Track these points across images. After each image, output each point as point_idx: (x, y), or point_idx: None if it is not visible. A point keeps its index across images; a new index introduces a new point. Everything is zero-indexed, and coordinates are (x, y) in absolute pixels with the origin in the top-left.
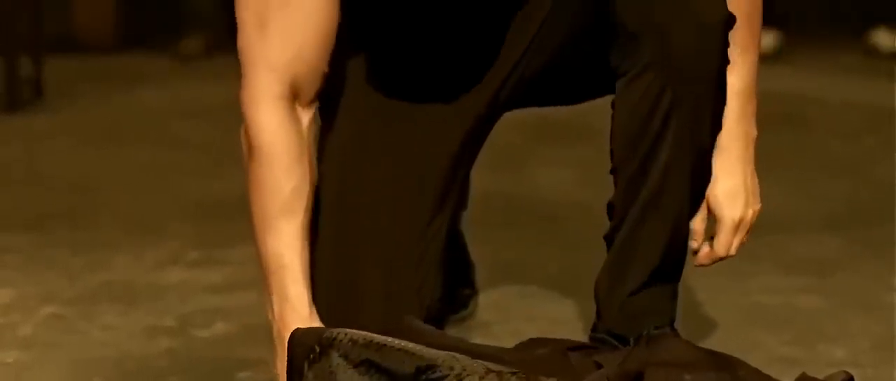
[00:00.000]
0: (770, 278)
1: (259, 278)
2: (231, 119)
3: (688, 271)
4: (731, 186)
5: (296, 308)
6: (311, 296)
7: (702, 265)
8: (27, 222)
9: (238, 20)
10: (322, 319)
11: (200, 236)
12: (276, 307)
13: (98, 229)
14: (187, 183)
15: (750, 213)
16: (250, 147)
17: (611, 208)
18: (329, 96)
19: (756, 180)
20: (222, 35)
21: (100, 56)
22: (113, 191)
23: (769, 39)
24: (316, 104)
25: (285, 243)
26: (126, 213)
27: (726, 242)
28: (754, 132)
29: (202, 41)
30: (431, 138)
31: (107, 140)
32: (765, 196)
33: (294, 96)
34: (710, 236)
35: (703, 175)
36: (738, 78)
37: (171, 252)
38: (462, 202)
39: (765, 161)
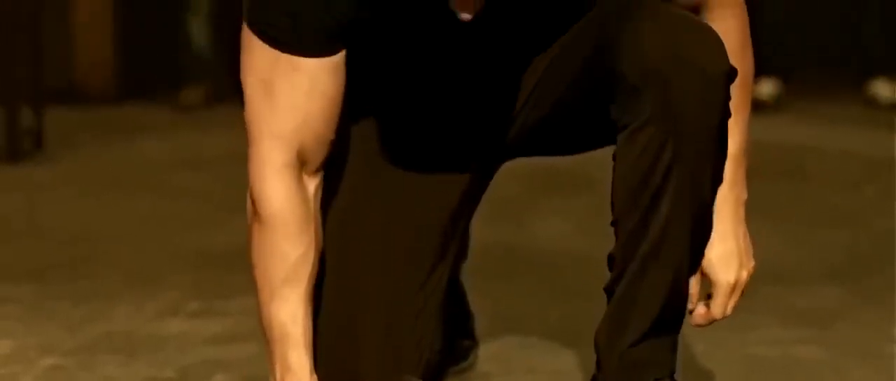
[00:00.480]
0: (770, 330)
1: (259, 329)
2: (231, 170)
3: (687, 321)
4: (724, 251)
5: (297, 376)
6: (312, 364)
7: (698, 326)
8: (27, 273)
9: (244, 87)
10: (321, 376)
11: (200, 287)
12: (278, 374)
13: (98, 279)
14: (187, 233)
15: (744, 274)
16: (257, 214)
17: (611, 259)
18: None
19: (748, 240)
20: (222, 86)
21: (100, 107)
22: (113, 241)
23: (769, 89)
24: (322, 171)
25: (289, 312)
26: (126, 263)
27: (722, 304)
28: (745, 195)
29: (202, 92)
30: (431, 190)
31: (107, 191)
32: (764, 247)
33: (301, 164)
34: (706, 295)
35: (703, 228)
36: (730, 142)
37: (171, 303)
38: (462, 253)
39: (764, 211)
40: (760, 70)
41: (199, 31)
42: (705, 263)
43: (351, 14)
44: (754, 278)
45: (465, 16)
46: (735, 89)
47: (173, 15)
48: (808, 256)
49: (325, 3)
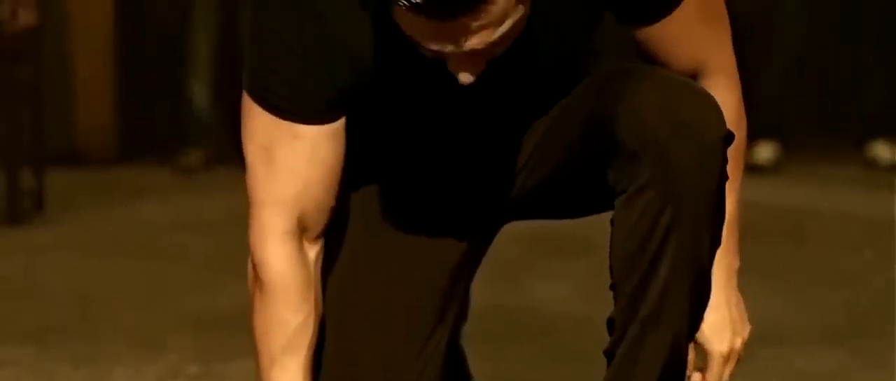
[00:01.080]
0: None
1: None
2: (231, 232)
3: None
4: (717, 320)
5: None
6: None
7: None
8: (27, 335)
9: (245, 153)
10: None
11: (200, 350)
12: None
13: (98, 342)
14: (188, 296)
15: (738, 342)
16: (257, 281)
17: (611, 323)
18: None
19: (742, 306)
20: (223, 148)
21: (101, 169)
22: (113, 304)
23: (768, 152)
24: (323, 238)
25: (288, 380)
26: (126, 326)
27: (717, 374)
28: (737, 262)
29: (203, 154)
30: (431, 252)
31: (107, 253)
32: (763, 308)
33: (301, 231)
34: (701, 365)
35: (702, 292)
36: None
37: (170, 366)
38: (462, 316)
39: (763, 273)
40: (759, 134)
41: (199, 93)
42: (697, 333)
43: (351, 80)
44: (753, 340)
45: (465, 79)
46: (729, 157)
47: (174, 77)
48: (807, 317)
49: (325, 70)
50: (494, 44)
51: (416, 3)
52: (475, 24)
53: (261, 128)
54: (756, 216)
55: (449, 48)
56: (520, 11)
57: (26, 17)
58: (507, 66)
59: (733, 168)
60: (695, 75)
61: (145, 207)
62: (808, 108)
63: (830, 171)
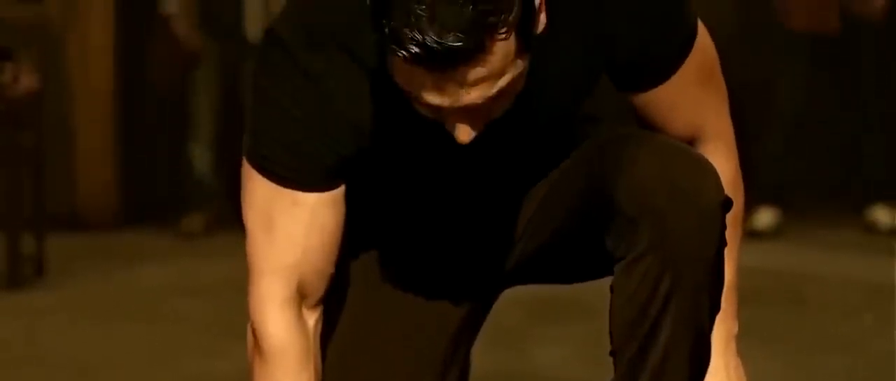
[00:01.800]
0: None
1: None
2: (231, 297)
3: None
4: None
5: None
6: None
7: None
8: None
9: (244, 220)
10: None
11: None
12: None
13: None
14: (188, 361)
15: None
16: (257, 348)
17: None
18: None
19: (741, 371)
20: (223, 213)
21: (101, 233)
22: (114, 369)
23: (768, 217)
24: (322, 305)
25: None
26: None
27: None
28: (736, 328)
29: (203, 219)
30: (431, 317)
31: (108, 318)
32: (763, 372)
33: (301, 298)
34: None
35: (702, 357)
36: None
37: None
38: None
39: (763, 338)
40: (759, 199)
41: (200, 158)
42: None
43: (351, 147)
44: None
45: (463, 137)
46: (727, 223)
47: (175, 142)
48: None
49: (325, 137)
50: (492, 99)
51: (416, 52)
52: (473, 76)
53: (260, 195)
54: (756, 281)
55: (447, 101)
56: (518, 67)
57: (28, 82)
58: (506, 130)
59: (731, 234)
60: (692, 141)
61: (146, 271)
62: (808, 173)
63: (830, 236)
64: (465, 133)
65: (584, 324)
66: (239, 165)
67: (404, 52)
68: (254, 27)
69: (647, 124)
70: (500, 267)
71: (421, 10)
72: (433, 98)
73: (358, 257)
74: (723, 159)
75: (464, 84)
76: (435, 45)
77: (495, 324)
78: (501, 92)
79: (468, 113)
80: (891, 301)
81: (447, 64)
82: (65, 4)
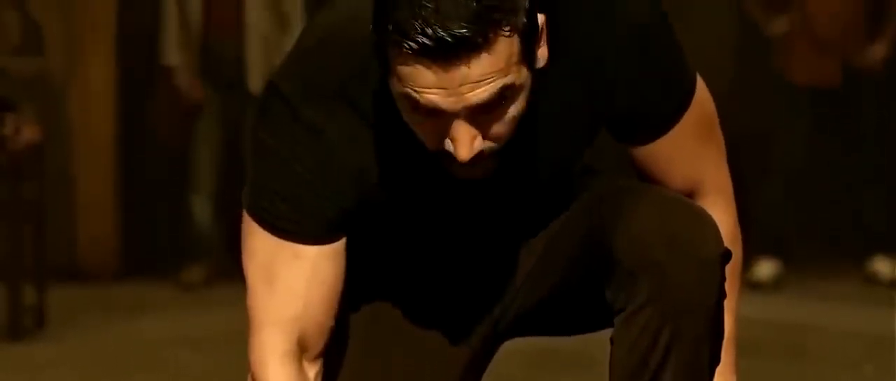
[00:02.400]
0: None
1: None
2: (232, 349)
3: None
4: None
5: None
6: None
7: None
8: None
9: (245, 273)
10: None
11: None
12: None
13: None
14: None
15: None
16: None
17: None
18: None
19: None
20: (224, 264)
21: (102, 285)
22: None
23: (768, 269)
24: (323, 358)
25: None
26: None
27: None
28: (735, 380)
29: (204, 270)
30: (431, 369)
31: (109, 370)
32: None
33: (301, 351)
34: None
35: None
36: None
37: None
38: None
39: None
40: (759, 250)
41: (201, 209)
42: None
43: (353, 198)
44: None
45: (463, 153)
46: (726, 275)
47: (176, 193)
48: None
49: (326, 190)
50: (495, 103)
51: (422, 42)
52: (477, 70)
53: (261, 247)
54: (757, 333)
55: (450, 100)
56: (522, 77)
57: (30, 134)
58: (506, 180)
59: (730, 287)
60: (691, 194)
61: (146, 323)
62: (808, 224)
63: (831, 287)
64: (465, 147)
65: (585, 376)
66: (239, 217)
67: (410, 43)
68: (255, 79)
69: (646, 177)
70: (500, 319)
71: (427, 3)
72: (436, 97)
73: (359, 309)
74: (722, 212)
75: (467, 80)
76: (440, 34)
77: (496, 374)
78: (503, 97)
79: (470, 118)
80: (891, 353)
81: (451, 53)
82: (66, 56)
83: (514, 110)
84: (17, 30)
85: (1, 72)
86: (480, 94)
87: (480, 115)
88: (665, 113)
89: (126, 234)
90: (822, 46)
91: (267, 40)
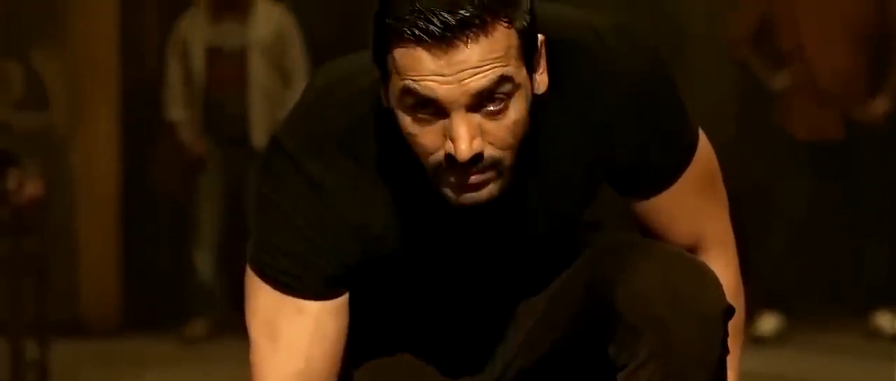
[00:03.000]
0: None
1: None
2: None
3: None
4: None
5: None
6: None
7: None
8: None
9: (248, 328)
10: None
11: None
12: None
13: None
14: None
15: None
16: None
17: None
18: None
19: None
20: (227, 319)
21: (105, 339)
22: None
23: (771, 323)
24: None
25: None
26: None
27: None
28: None
29: (207, 324)
30: None
31: None
32: None
33: None
34: None
35: None
36: None
37: None
38: None
39: None
40: (762, 305)
41: (203, 264)
42: None
43: (355, 255)
44: None
45: (463, 153)
46: (729, 331)
47: (178, 248)
48: None
49: (329, 246)
50: (493, 89)
51: (422, 27)
52: (476, 55)
53: (264, 302)
54: None
55: (449, 86)
56: (522, 76)
57: (33, 189)
58: (507, 236)
59: (733, 342)
60: (693, 248)
61: (149, 378)
62: (810, 279)
63: (833, 341)
64: (465, 141)
65: None
66: (242, 272)
67: (411, 29)
68: (259, 134)
69: (647, 231)
70: (501, 376)
71: None
72: (435, 84)
73: (361, 365)
74: (724, 267)
75: (466, 65)
76: (441, 17)
77: None
78: (502, 90)
79: (470, 111)
80: None
81: (450, 35)
82: (69, 111)
83: (514, 113)
84: (20, 83)
85: (4, 126)
86: (479, 79)
87: (480, 109)
88: (667, 168)
89: (128, 288)
90: (823, 100)
91: (270, 96)
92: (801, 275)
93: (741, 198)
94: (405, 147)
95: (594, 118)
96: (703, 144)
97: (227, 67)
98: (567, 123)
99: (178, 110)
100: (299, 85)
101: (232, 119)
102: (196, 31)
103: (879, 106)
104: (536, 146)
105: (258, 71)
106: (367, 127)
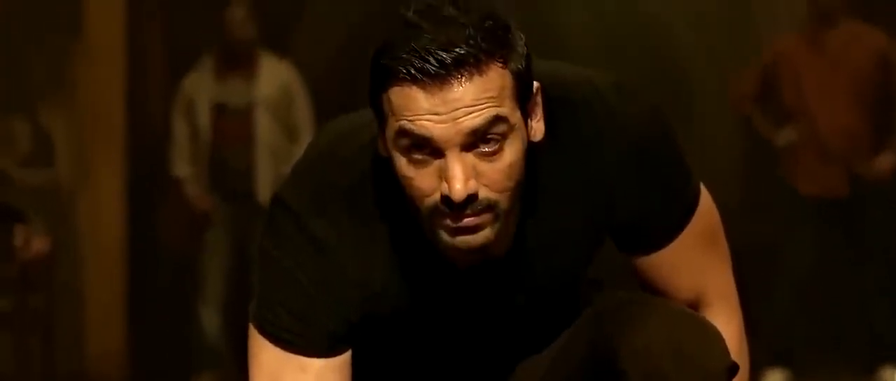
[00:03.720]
0: None
1: None
2: None
3: None
4: None
5: None
6: None
7: None
8: None
9: None
10: None
11: None
12: None
13: None
14: None
15: None
16: None
17: None
18: None
19: None
20: (233, 375)
21: None
22: None
23: (777, 379)
24: None
25: None
26: None
27: None
28: None
29: (214, 380)
30: None
31: None
32: None
33: None
34: None
35: None
36: None
37: None
38: None
39: None
40: (768, 361)
41: (209, 320)
42: None
43: (357, 313)
44: None
45: (458, 193)
46: None
47: (185, 304)
48: None
49: (331, 303)
50: (487, 129)
51: (417, 66)
52: (470, 93)
53: (267, 360)
54: None
55: (444, 125)
56: (517, 117)
57: (39, 245)
58: (509, 294)
59: None
60: (696, 304)
61: None
62: (816, 333)
63: None
64: (459, 181)
65: None
66: (247, 328)
67: (407, 69)
68: (265, 190)
69: (649, 287)
70: None
71: (423, 36)
72: (430, 123)
73: None
74: (727, 322)
75: (460, 103)
76: (436, 56)
77: None
78: (497, 130)
79: (465, 151)
80: None
81: (445, 73)
82: (76, 167)
83: (509, 156)
84: (27, 140)
85: (11, 182)
86: (473, 118)
87: (474, 149)
88: (668, 223)
89: (135, 344)
90: (828, 157)
91: (276, 152)
92: (806, 330)
93: (747, 254)
94: (406, 201)
95: (594, 173)
96: (705, 198)
97: (233, 123)
98: (567, 179)
99: (184, 167)
100: (305, 141)
101: (238, 175)
102: (202, 88)
103: (884, 162)
104: (537, 202)
105: (264, 128)
106: (368, 182)
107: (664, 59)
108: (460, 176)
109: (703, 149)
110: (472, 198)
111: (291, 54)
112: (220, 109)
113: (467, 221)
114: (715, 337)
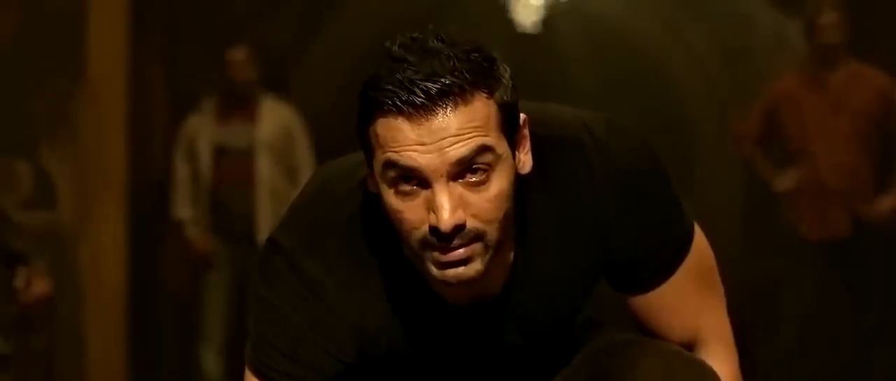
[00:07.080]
0: None
1: None
2: None
3: None
4: None
5: None
6: None
7: None
8: None
9: None
10: None
11: None
12: None
13: None
14: None
15: None
16: None
17: None
18: None
19: None
20: None
21: None
22: None
23: None
24: None
25: None
26: None
27: None
28: None
29: None
30: None
31: None
32: None
33: None
34: None
35: None
36: None
37: None
38: None
39: None
40: None
41: (210, 362)
42: None
43: (352, 353)
44: None
45: (446, 224)
46: None
47: (186, 346)
48: None
49: (326, 345)
50: (475, 180)
51: (403, 98)
52: (455, 123)
53: None
54: None
55: (430, 156)
56: (503, 147)
57: (41, 287)
58: (504, 334)
59: None
60: (691, 342)
61: None
62: (818, 377)
63: None
64: (446, 211)
65: None
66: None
67: (392, 100)
68: (265, 232)
69: (644, 326)
70: None
71: (407, 67)
72: (416, 154)
73: None
74: (722, 362)
75: (446, 133)
76: (421, 86)
77: None
78: (483, 160)
79: (452, 180)
80: None
81: (430, 103)
82: (77, 209)
83: (496, 186)
84: (28, 182)
85: (13, 225)
86: (459, 147)
87: (461, 179)
88: (662, 262)
89: (136, 369)
90: (830, 199)
91: (277, 194)
92: (807, 374)
93: (748, 297)
94: (399, 239)
95: (586, 211)
96: (699, 237)
97: (234, 166)
98: (560, 216)
99: (185, 209)
100: None
101: (239, 218)
102: (203, 131)
103: (886, 204)
104: (530, 239)
105: (265, 170)
106: (361, 222)
107: (666, 102)
108: (447, 206)
109: (703, 190)
110: (459, 228)
111: (292, 96)
112: (220, 152)
113: (456, 253)
114: (711, 378)
